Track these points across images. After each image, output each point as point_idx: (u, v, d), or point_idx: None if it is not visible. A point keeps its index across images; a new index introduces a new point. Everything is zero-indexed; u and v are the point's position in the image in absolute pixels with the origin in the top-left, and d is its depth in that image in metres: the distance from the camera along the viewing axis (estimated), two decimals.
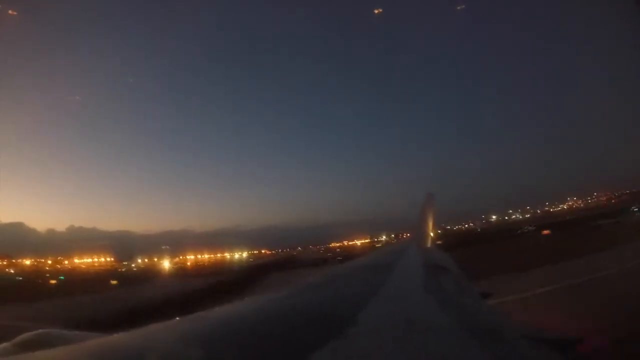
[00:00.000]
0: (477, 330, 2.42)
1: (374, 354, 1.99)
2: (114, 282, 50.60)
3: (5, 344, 2.65)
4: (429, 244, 6.81)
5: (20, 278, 55.88)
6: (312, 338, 2.10)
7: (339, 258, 55.29)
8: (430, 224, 7.52)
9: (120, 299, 31.35)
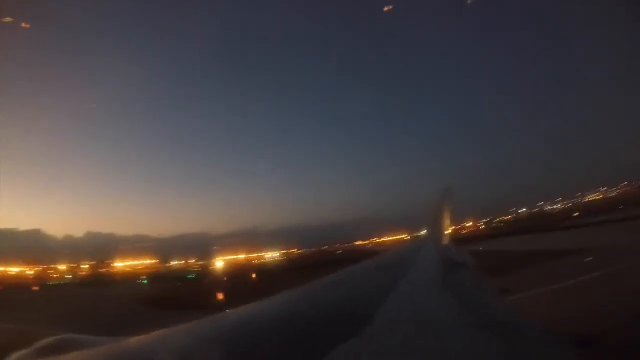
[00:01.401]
0: (494, 327, 2.41)
1: (391, 352, 1.98)
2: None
3: (25, 350, 2.68)
4: (445, 241, 6.75)
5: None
6: (330, 336, 2.10)
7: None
8: (446, 221, 7.43)
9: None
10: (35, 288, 49.05)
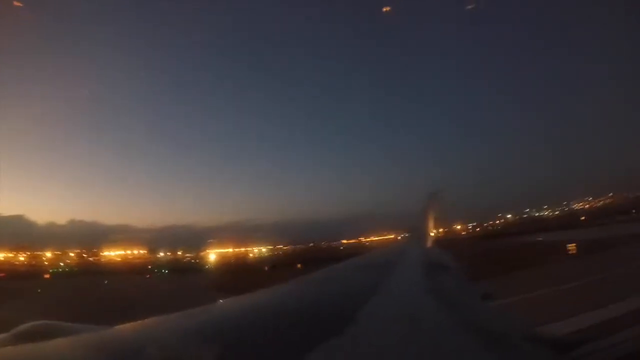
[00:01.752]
0: (477, 330, 2.42)
1: (372, 353, 1.98)
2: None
3: (3, 335, 2.64)
4: (429, 243, 6.81)
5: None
6: (311, 336, 2.08)
7: None
8: (432, 223, 7.52)
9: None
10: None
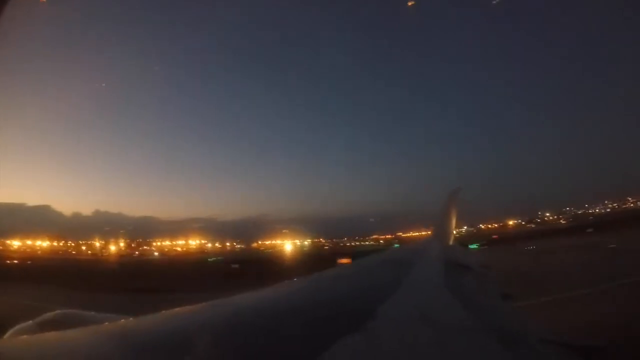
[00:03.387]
0: (494, 331, 2.40)
1: (391, 349, 1.97)
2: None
3: (26, 323, 2.70)
4: (451, 242, 6.73)
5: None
6: (332, 331, 2.08)
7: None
8: (454, 221, 7.40)
9: None
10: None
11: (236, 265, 49.72)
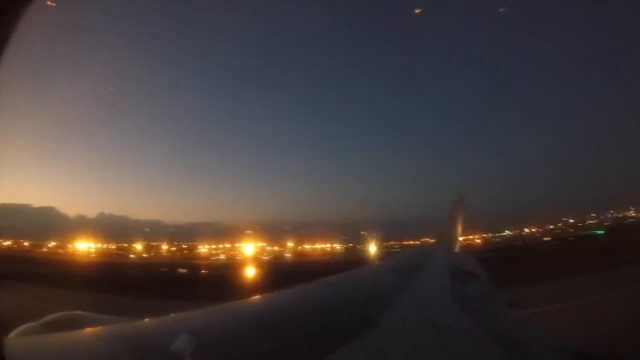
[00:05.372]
0: (498, 338, 2.40)
1: (395, 356, 1.97)
2: None
3: (32, 324, 2.70)
4: (456, 249, 6.71)
5: None
6: (336, 336, 2.08)
7: None
8: (460, 228, 7.39)
9: None
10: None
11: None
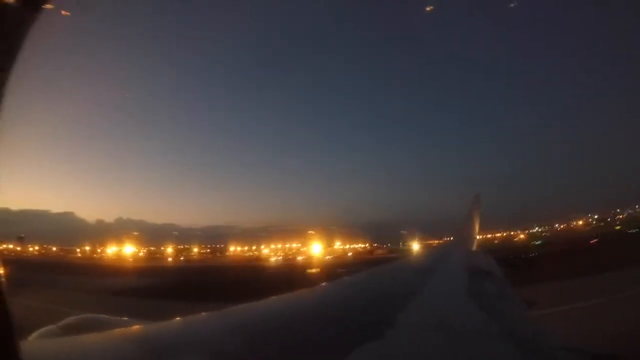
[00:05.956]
0: (515, 338, 2.37)
1: (409, 355, 1.96)
2: None
3: (50, 327, 2.74)
4: (474, 247, 6.65)
5: None
6: (350, 338, 2.07)
7: None
8: (477, 227, 7.32)
9: None
10: None
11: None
